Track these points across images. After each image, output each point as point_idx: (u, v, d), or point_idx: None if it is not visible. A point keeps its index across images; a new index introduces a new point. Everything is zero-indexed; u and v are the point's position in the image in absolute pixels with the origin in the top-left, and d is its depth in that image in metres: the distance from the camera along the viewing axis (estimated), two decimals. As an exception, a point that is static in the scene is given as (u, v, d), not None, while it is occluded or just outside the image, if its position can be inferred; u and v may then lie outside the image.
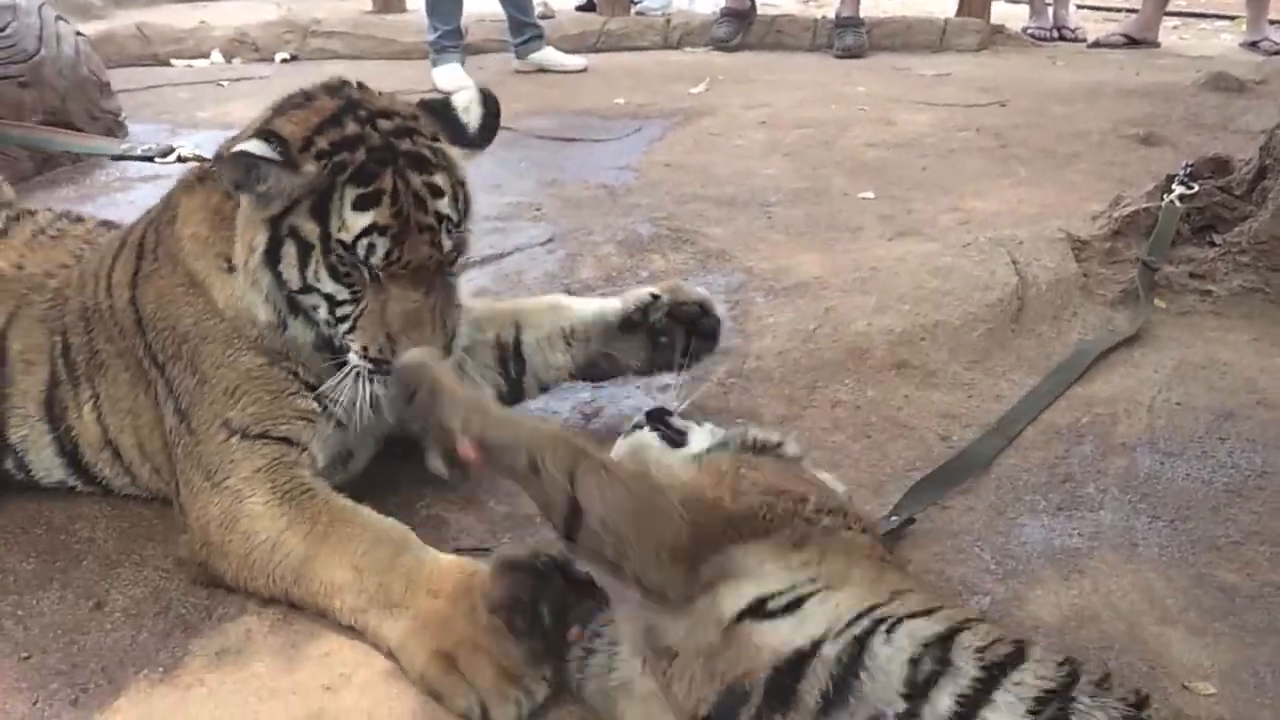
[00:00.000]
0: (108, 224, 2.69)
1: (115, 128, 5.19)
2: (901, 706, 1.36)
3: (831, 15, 8.12)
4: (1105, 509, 2.31)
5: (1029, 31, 8.71)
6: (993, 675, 1.36)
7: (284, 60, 7.89)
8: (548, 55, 7.29)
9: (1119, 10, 9.69)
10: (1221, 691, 1.79)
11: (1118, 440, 2.57)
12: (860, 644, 1.43)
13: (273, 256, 2.00)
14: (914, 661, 1.39)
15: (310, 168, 1.95)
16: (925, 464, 2.46)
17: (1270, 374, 2.84)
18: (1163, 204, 3.42)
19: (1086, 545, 2.19)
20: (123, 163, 4.61)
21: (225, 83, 7.00)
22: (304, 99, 2.08)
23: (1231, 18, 9.29)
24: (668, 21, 8.54)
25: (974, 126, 5.56)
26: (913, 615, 1.47)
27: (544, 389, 2.61)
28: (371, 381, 2.07)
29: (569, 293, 3.37)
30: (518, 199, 4.42)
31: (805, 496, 1.75)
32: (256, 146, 1.92)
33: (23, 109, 4.50)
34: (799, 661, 1.45)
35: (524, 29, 7.21)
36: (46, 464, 2.37)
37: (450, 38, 6.79)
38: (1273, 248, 3.19)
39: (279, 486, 2.04)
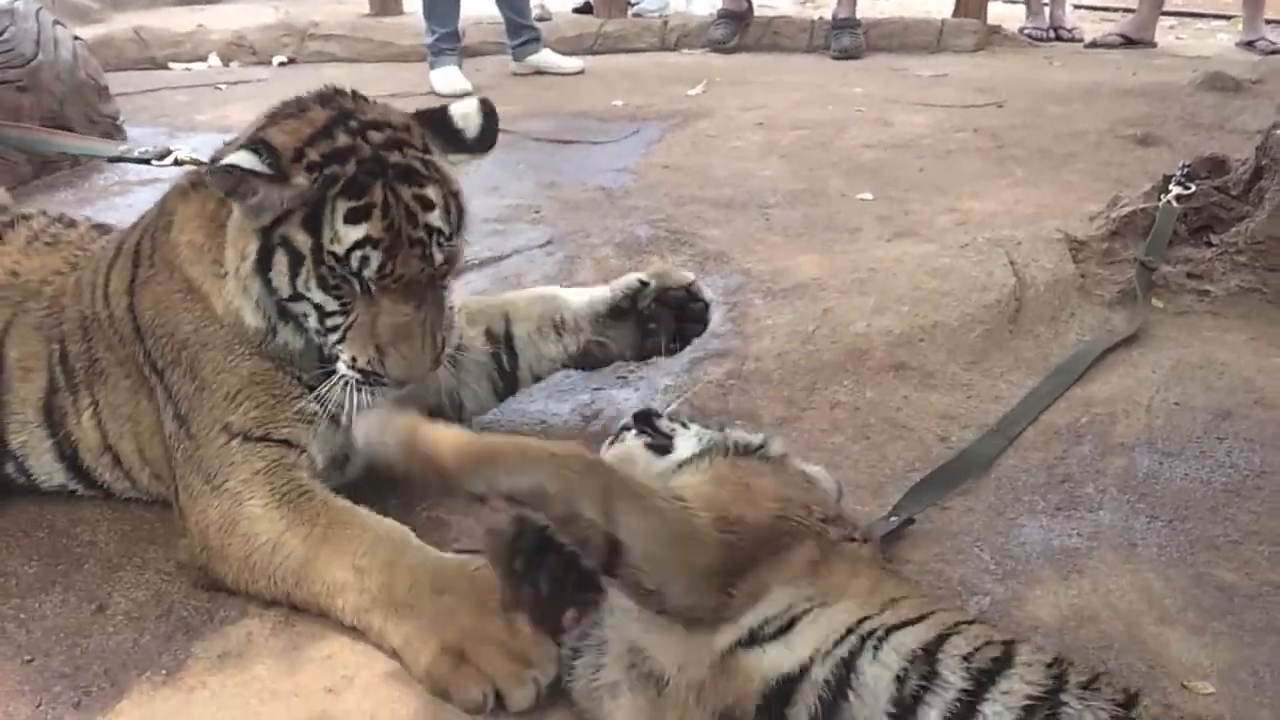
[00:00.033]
0: (101, 227, 2.68)
1: (113, 131, 5.19)
2: None
3: (828, 16, 8.12)
4: (1104, 509, 2.32)
5: (1026, 32, 8.71)
6: (981, 684, 1.37)
7: (282, 63, 7.89)
8: (545, 57, 7.29)
9: (1115, 10, 9.69)
10: (1220, 690, 1.80)
11: (1116, 440, 2.57)
12: (847, 665, 1.44)
13: (264, 264, 2.00)
14: (900, 679, 1.40)
15: (301, 180, 1.94)
16: (924, 465, 2.47)
17: (1267, 374, 2.85)
18: (1160, 204, 3.44)
19: (1085, 545, 2.20)
20: (121, 166, 4.62)
21: (223, 86, 7.01)
22: (297, 108, 2.07)
23: (1228, 17, 9.30)
24: (665, 23, 8.54)
25: (971, 127, 5.57)
26: (903, 624, 1.48)
27: (538, 379, 2.62)
28: (360, 391, 2.07)
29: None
30: (516, 201, 4.42)
31: (810, 506, 1.76)
32: (245, 159, 1.91)
33: (21, 113, 4.50)
34: (788, 687, 1.47)
35: (521, 31, 7.21)
36: (47, 468, 2.38)
37: (448, 40, 6.79)
38: (1269, 248, 3.20)
39: (277, 489, 2.05)
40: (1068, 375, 2.83)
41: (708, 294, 2.59)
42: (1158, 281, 3.27)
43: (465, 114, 2.16)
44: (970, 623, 1.55)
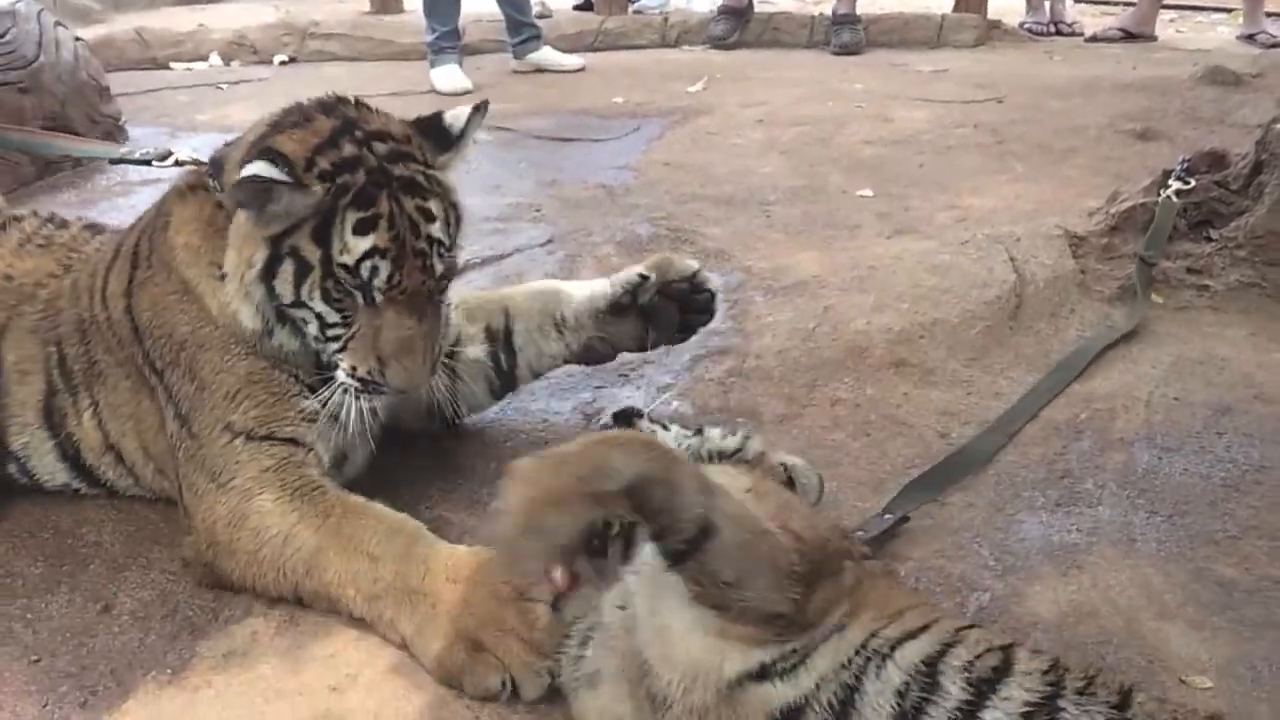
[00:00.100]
0: (94, 228, 2.68)
1: (115, 132, 5.21)
2: None
3: (828, 12, 8.12)
4: (1103, 504, 2.33)
5: (1026, 26, 8.72)
6: (980, 693, 1.39)
7: (282, 62, 7.89)
8: (545, 55, 7.30)
9: (1116, 4, 9.69)
10: (1219, 685, 1.81)
11: (1116, 436, 2.58)
12: (850, 688, 1.45)
13: (269, 272, 2.01)
14: (901, 693, 1.41)
15: (316, 188, 1.96)
16: (924, 461, 2.48)
17: (1267, 369, 2.85)
18: (1159, 199, 3.44)
19: (1085, 541, 2.21)
20: (123, 167, 4.63)
21: (224, 85, 7.02)
22: (301, 117, 2.07)
23: (1228, 10, 9.30)
24: (665, 20, 8.54)
25: (971, 123, 5.57)
26: (906, 637, 1.49)
27: (538, 376, 2.61)
28: (359, 398, 2.09)
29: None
30: (517, 199, 4.43)
31: (839, 528, 1.77)
32: (266, 169, 1.92)
33: (23, 114, 4.52)
34: (794, 715, 1.48)
35: (521, 29, 7.22)
36: (50, 469, 2.39)
37: (448, 38, 6.80)
38: (1269, 242, 3.21)
39: (289, 484, 2.06)
40: (1067, 373, 2.84)
41: (713, 282, 2.53)
42: (1157, 277, 3.27)
43: (457, 116, 2.18)
44: (971, 628, 1.56)
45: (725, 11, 8.24)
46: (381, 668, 1.89)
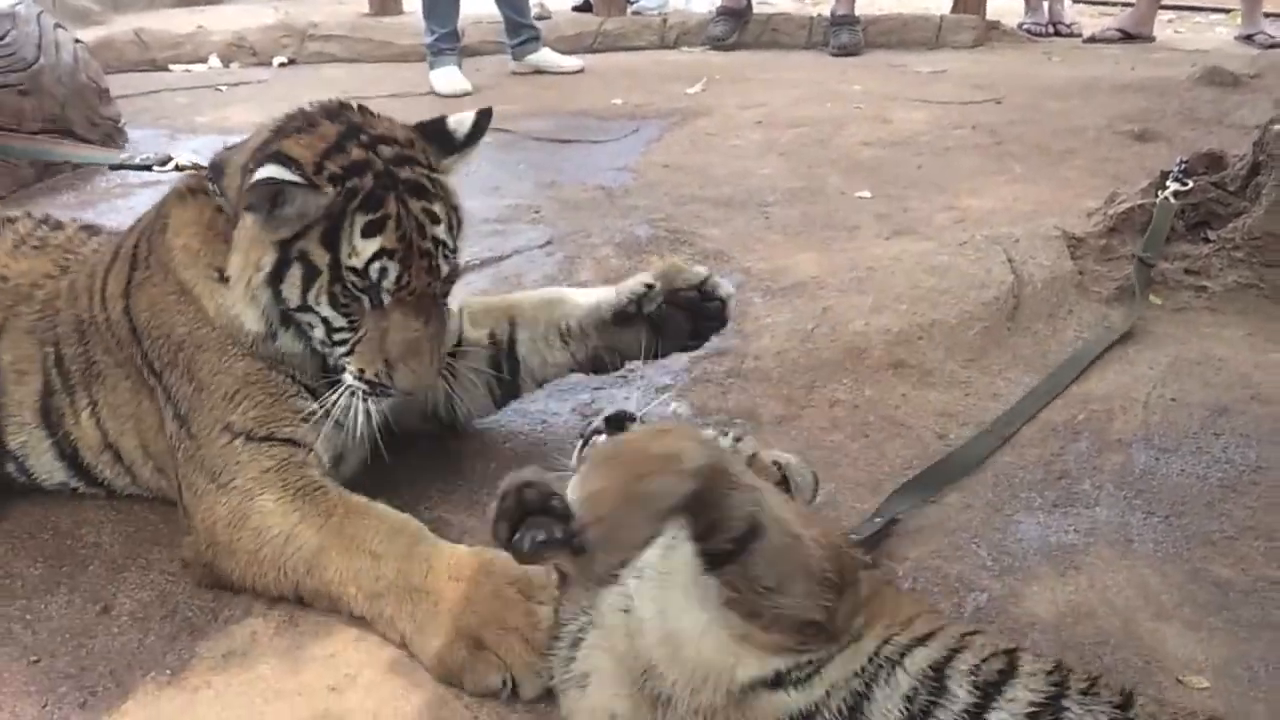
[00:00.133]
0: (90, 229, 2.69)
1: (115, 134, 5.21)
2: None
3: (827, 13, 8.13)
4: (1101, 505, 2.33)
5: (1024, 27, 8.72)
6: (986, 695, 1.40)
7: (282, 64, 7.89)
8: (544, 56, 7.31)
9: (1114, 4, 9.70)
10: (1215, 685, 1.82)
11: (1113, 437, 2.59)
12: (860, 695, 1.46)
13: (276, 276, 2.03)
14: (910, 698, 1.42)
15: (328, 190, 1.98)
16: (922, 462, 2.48)
17: (1264, 369, 2.86)
18: (1157, 200, 3.44)
19: (1082, 541, 2.22)
20: (122, 170, 4.63)
21: (223, 87, 7.02)
22: (306, 123, 2.09)
23: (1226, 11, 9.31)
24: (664, 21, 8.55)
25: (969, 124, 5.58)
26: (916, 643, 1.50)
27: (542, 384, 2.59)
28: (365, 400, 2.10)
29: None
30: (516, 201, 4.44)
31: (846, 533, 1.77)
32: (279, 172, 1.93)
33: (23, 117, 4.53)
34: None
35: (520, 30, 7.22)
36: (48, 468, 2.39)
37: (447, 40, 6.80)
38: (1267, 243, 3.21)
39: (290, 484, 2.07)
40: (1064, 375, 2.84)
41: (724, 288, 2.44)
42: (1155, 278, 3.28)
43: (460, 121, 2.20)
44: (976, 633, 1.57)
45: (724, 12, 8.25)
46: (381, 668, 1.90)
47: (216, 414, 2.13)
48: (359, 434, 2.16)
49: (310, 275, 2.01)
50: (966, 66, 7.29)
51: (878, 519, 2.19)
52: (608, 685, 1.64)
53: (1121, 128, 5.33)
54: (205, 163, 2.35)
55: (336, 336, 2.07)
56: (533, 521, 1.40)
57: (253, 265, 2.04)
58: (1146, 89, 6.19)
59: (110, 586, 2.15)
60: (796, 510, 1.64)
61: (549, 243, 3.90)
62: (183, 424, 2.16)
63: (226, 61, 7.90)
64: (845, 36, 7.86)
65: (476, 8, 7.61)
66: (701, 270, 2.44)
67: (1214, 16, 9.59)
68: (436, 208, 2.07)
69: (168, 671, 1.91)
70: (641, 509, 1.31)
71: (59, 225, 2.67)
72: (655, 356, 2.49)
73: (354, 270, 1.99)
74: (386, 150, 2.05)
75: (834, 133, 5.48)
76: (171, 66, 7.75)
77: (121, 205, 4.37)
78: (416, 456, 2.48)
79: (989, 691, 1.40)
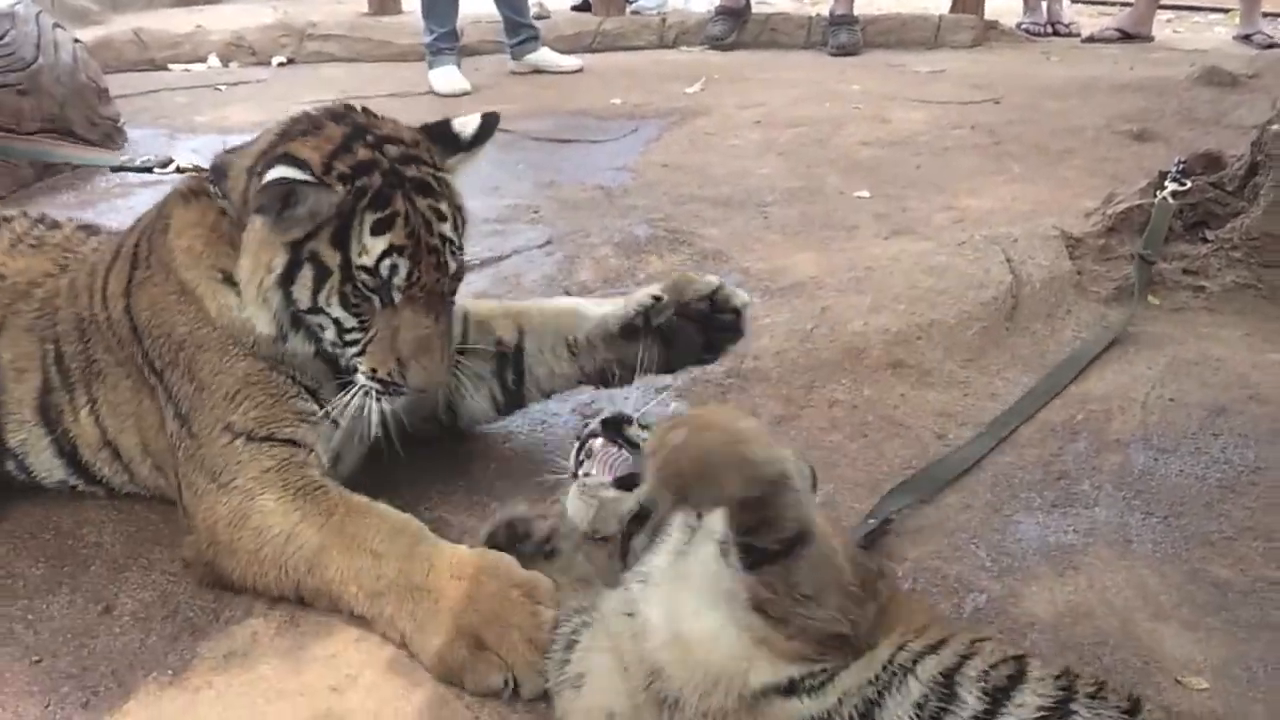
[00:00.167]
0: (88, 228, 2.69)
1: (114, 133, 5.21)
2: None
3: (826, 13, 8.13)
4: (1100, 505, 2.34)
5: (1023, 27, 8.73)
6: (996, 701, 1.41)
7: (281, 64, 7.89)
8: (543, 56, 7.31)
9: (1113, 4, 9.71)
10: (1214, 686, 1.82)
11: (1112, 437, 2.59)
12: (872, 703, 1.46)
13: (287, 278, 2.03)
14: (920, 704, 1.43)
15: (339, 188, 1.99)
16: (921, 462, 2.49)
17: (1262, 369, 2.87)
18: (1155, 201, 3.45)
19: (1081, 542, 2.22)
20: (122, 171, 4.63)
21: (223, 87, 7.01)
22: (311, 125, 2.10)
23: (1225, 11, 9.32)
24: (663, 21, 8.55)
25: (968, 124, 5.58)
26: (928, 651, 1.50)
27: (549, 395, 2.57)
28: (379, 400, 2.11)
29: (567, 294, 3.40)
30: (515, 201, 4.44)
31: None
32: (290, 172, 1.94)
33: (22, 117, 4.53)
34: None
35: (519, 30, 7.23)
36: (47, 465, 2.40)
37: (446, 40, 6.80)
38: (1265, 244, 3.22)
39: (291, 484, 2.07)
40: (1061, 377, 2.84)
41: (738, 298, 2.38)
42: (1154, 278, 3.28)
43: (465, 123, 2.22)
44: (986, 639, 1.57)
45: (723, 12, 8.25)
46: (382, 668, 1.90)
47: (217, 414, 2.13)
48: (373, 433, 2.17)
49: (321, 276, 2.02)
50: (965, 66, 7.30)
51: (871, 520, 2.19)
52: (605, 685, 1.64)
53: (1120, 128, 5.34)
54: (205, 164, 2.35)
55: (348, 337, 2.08)
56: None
57: (264, 267, 2.04)
58: (1145, 89, 6.20)
59: (112, 586, 2.15)
60: (827, 519, 1.65)
61: (548, 243, 3.91)
62: (183, 423, 2.16)
63: (225, 61, 7.90)
64: (844, 36, 7.87)
65: (475, 7, 7.60)
66: (713, 280, 2.39)
67: (1212, 16, 9.60)
68: (443, 206, 2.08)
69: (169, 672, 1.92)
70: (738, 471, 1.34)
71: (56, 225, 2.67)
72: (668, 370, 2.46)
73: (365, 269, 2.00)
74: (392, 150, 2.06)
75: (833, 132, 5.49)
76: (170, 66, 7.75)
77: (121, 205, 4.37)
78: (416, 457, 2.48)
79: (998, 697, 1.41)
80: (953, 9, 8.43)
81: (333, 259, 2.01)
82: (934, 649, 1.51)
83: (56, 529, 2.35)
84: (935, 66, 7.28)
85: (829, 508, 2.27)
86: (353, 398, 2.11)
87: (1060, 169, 4.77)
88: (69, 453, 2.37)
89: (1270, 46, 7.75)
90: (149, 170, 2.78)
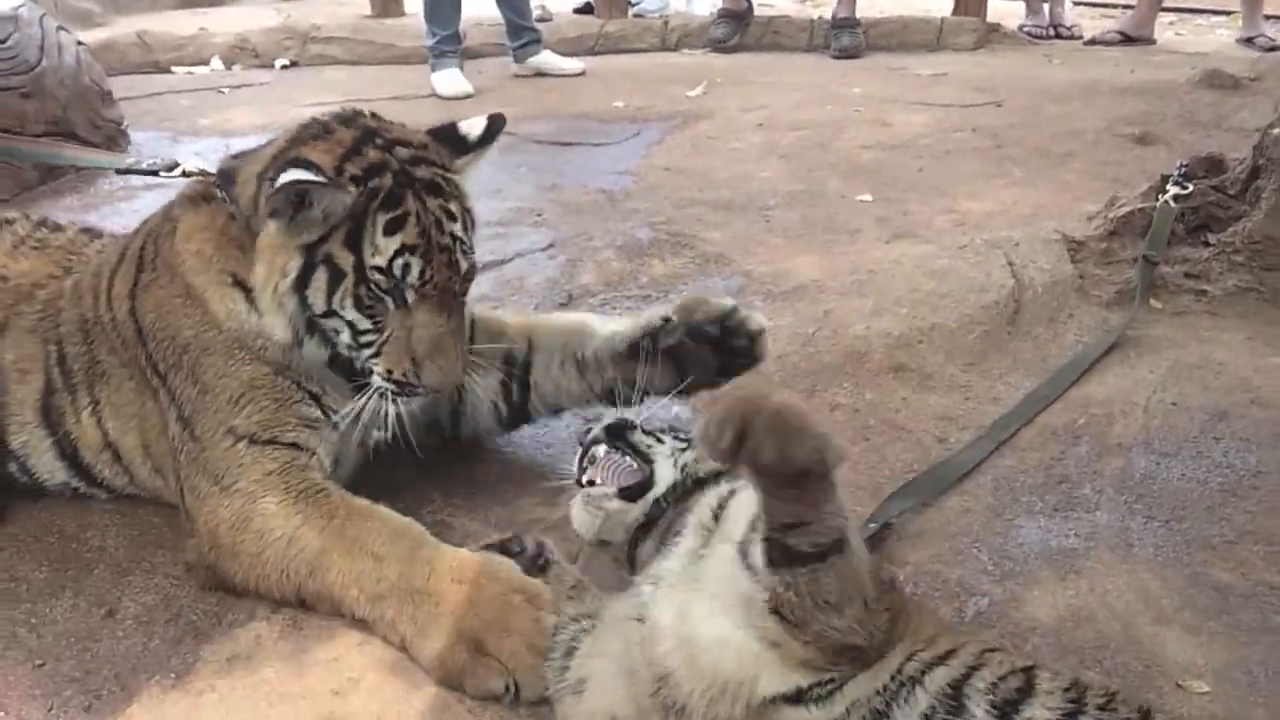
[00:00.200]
0: (90, 231, 2.70)
1: (118, 136, 5.22)
2: None
3: (828, 16, 8.14)
4: (1101, 510, 2.34)
5: (1025, 30, 8.73)
6: (1004, 714, 1.40)
7: (284, 66, 7.90)
8: (546, 59, 7.31)
9: (1115, 7, 9.71)
10: (1215, 690, 1.82)
11: (1113, 441, 2.60)
12: (880, 713, 1.46)
13: (302, 282, 2.04)
14: (928, 715, 1.43)
15: (352, 189, 2.00)
16: (922, 466, 2.49)
17: (1264, 373, 2.86)
18: (1157, 204, 3.45)
19: (1083, 546, 2.22)
20: (127, 174, 4.64)
21: (226, 89, 7.03)
22: (321, 130, 2.12)
23: (1227, 13, 9.32)
24: (665, 24, 8.56)
25: (970, 127, 5.58)
26: (937, 662, 1.50)
27: (557, 412, 2.53)
28: (395, 402, 2.12)
29: (569, 298, 3.41)
30: (518, 204, 4.44)
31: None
32: (305, 174, 1.95)
33: (25, 120, 4.54)
34: None
35: (522, 33, 7.23)
36: (48, 467, 2.40)
37: (449, 42, 6.81)
38: (1267, 247, 3.22)
39: (293, 487, 2.08)
40: (1063, 381, 2.84)
41: (754, 323, 2.32)
42: (1156, 281, 3.28)
43: (472, 125, 2.24)
44: (995, 650, 1.57)
45: (725, 15, 8.26)
46: (384, 671, 1.90)
47: (220, 416, 2.14)
48: (388, 436, 2.19)
49: (335, 278, 2.03)
50: (967, 69, 7.30)
51: (872, 524, 2.19)
52: (609, 689, 1.65)
53: (1122, 131, 5.34)
54: (211, 168, 2.36)
55: (363, 340, 2.09)
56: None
57: (278, 272, 2.05)
58: (1147, 92, 6.20)
59: (115, 590, 2.16)
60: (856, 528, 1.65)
61: (551, 246, 3.91)
62: (186, 426, 2.17)
63: (229, 63, 7.91)
64: (846, 39, 7.87)
65: (478, 10, 7.62)
66: (727, 303, 2.34)
67: (1215, 19, 9.60)
68: (452, 206, 2.10)
69: (172, 675, 1.92)
70: (813, 439, 1.31)
71: (59, 227, 2.68)
72: (682, 393, 2.37)
73: (378, 269, 2.01)
74: (402, 151, 2.08)
75: (834, 136, 5.49)
76: (174, 69, 7.76)
77: (124, 209, 4.38)
78: (417, 461, 2.48)
79: (1006, 710, 1.40)
80: (955, 11, 8.43)
81: (346, 261, 2.02)
82: (942, 660, 1.50)
83: (60, 533, 2.35)
84: (937, 69, 7.28)
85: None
86: (368, 400, 2.12)
87: (1062, 172, 4.77)
88: (70, 455, 2.38)
89: (1272, 49, 7.74)
90: (154, 173, 2.78)
